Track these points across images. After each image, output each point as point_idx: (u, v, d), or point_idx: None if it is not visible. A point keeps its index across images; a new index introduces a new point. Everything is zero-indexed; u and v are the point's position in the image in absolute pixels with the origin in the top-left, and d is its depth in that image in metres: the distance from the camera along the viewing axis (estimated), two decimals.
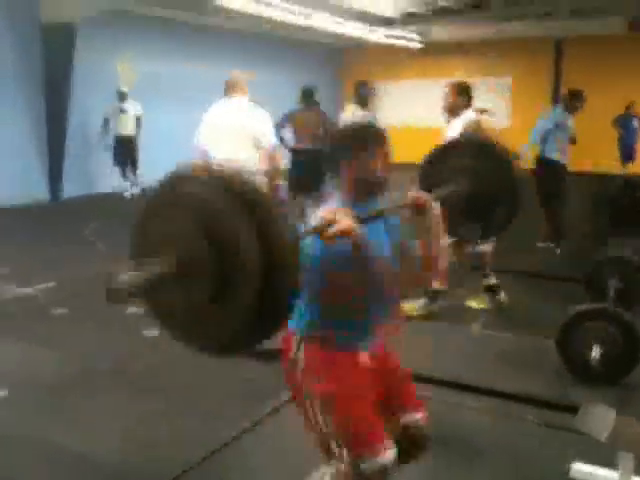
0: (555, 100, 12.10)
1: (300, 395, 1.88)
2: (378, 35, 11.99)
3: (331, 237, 1.59)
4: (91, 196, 9.11)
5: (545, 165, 6.22)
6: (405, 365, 2.00)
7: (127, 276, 1.37)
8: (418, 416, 1.99)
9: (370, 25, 11.73)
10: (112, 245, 6.40)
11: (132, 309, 4.42)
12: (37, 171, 8.99)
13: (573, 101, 6.19)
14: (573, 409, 2.51)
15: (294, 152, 6.40)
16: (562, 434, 2.75)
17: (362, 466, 1.79)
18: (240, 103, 4.27)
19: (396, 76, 13.87)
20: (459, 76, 13.51)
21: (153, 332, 3.98)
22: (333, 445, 1.84)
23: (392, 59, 14.12)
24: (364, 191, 1.85)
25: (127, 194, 9.54)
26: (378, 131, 1.86)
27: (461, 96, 4.26)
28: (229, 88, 4.30)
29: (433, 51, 13.55)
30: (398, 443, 1.92)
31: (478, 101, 4.78)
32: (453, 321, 4.33)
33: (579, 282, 4.56)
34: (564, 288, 4.93)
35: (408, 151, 6.87)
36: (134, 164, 9.65)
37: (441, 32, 12.99)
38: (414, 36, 13.00)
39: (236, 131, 4.15)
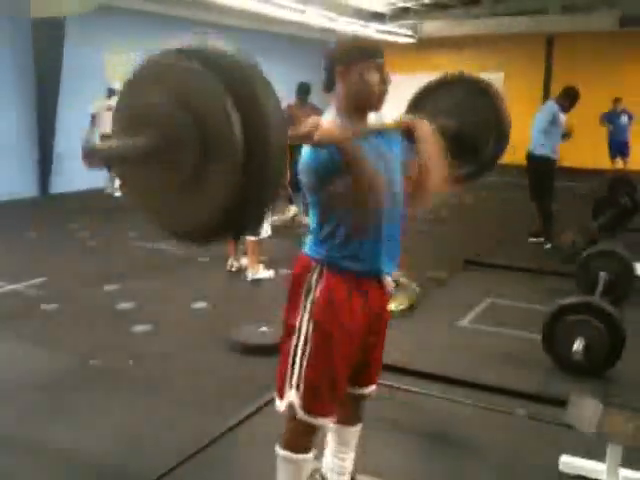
0: (546, 96, 12.13)
1: (294, 319, 1.82)
2: (370, 30, 11.98)
3: (307, 135, 1.56)
4: (79, 193, 9.04)
5: (537, 161, 6.22)
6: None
7: (105, 142, 1.37)
8: (373, 387, 2.04)
9: (363, 20, 11.74)
10: (100, 241, 6.38)
11: (122, 304, 4.41)
12: (26, 166, 8.90)
13: (562, 100, 6.18)
14: (561, 402, 2.53)
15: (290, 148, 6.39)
16: (551, 427, 2.76)
17: (305, 415, 1.82)
18: None
19: (388, 71, 13.86)
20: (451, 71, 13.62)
21: (143, 328, 3.98)
22: (291, 381, 1.83)
23: (385, 54, 14.09)
24: (360, 103, 1.78)
25: (111, 190, 9.29)
26: (376, 45, 1.83)
27: None
28: None
29: (425, 46, 13.55)
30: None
31: None
32: (441, 315, 4.34)
33: (569, 277, 4.59)
34: (554, 283, 4.96)
35: None
36: None
37: (433, 27, 13.01)
38: (406, 31, 13.01)
39: None
